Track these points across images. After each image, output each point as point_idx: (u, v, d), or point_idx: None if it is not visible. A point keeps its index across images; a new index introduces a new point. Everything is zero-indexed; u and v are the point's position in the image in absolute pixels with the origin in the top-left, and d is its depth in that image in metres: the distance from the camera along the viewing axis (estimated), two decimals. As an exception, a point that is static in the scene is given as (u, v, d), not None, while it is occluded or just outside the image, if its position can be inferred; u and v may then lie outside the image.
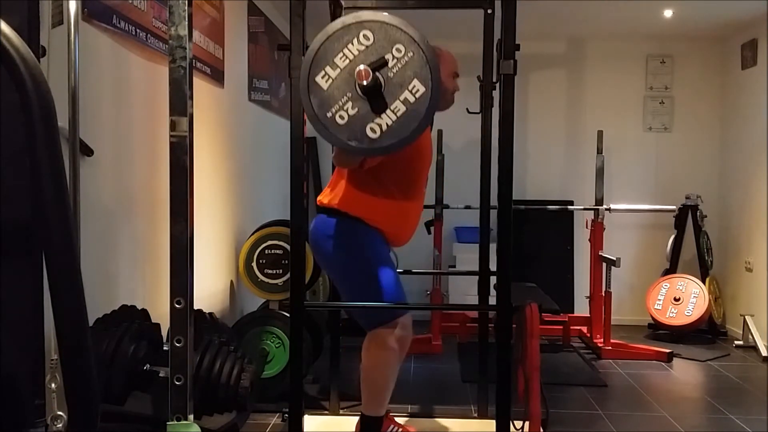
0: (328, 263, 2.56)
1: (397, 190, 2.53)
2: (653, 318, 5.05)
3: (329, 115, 2.00)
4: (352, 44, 2.01)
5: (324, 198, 2.56)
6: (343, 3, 3.01)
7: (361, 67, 1.96)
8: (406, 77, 2.00)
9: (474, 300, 3.07)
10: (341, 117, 2.00)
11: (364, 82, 1.96)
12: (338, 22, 2.04)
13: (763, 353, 4.49)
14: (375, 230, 2.51)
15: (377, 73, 1.97)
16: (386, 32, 2.02)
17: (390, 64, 2.00)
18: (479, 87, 3.00)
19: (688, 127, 5.64)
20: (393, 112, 2.00)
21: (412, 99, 2.00)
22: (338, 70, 2.00)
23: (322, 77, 2.00)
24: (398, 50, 2.01)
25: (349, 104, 2.00)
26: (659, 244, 5.48)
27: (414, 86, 2.00)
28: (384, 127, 2.00)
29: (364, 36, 2.01)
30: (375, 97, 1.99)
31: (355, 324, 2.60)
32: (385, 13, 2.07)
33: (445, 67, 2.51)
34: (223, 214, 3.76)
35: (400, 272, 2.62)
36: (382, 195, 2.51)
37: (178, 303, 1.73)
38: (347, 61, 2.00)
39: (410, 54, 2.01)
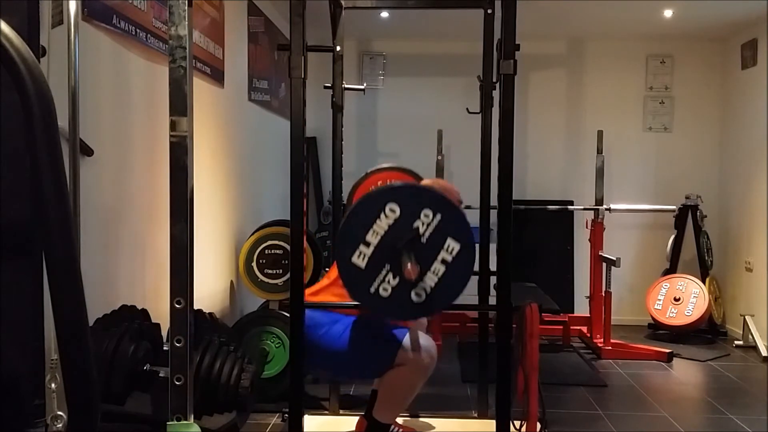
0: (326, 350, 2.49)
1: None
2: (653, 318, 5.05)
3: (372, 291, 2.06)
4: (380, 219, 2.06)
5: (328, 299, 2.54)
6: (343, 3, 3.01)
7: (409, 265, 2.01)
8: (440, 238, 2.05)
9: (474, 300, 3.07)
10: (384, 290, 2.06)
11: (413, 278, 2.01)
12: (364, 200, 2.12)
13: (763, 353, 4.49)
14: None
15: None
16: (411, 200, 2.07)
17: (421, 230, 2.05)
18: (479, 87, 3.00)
19: (688, 127, 5.64)
20: (434, 273, 2.06)
21: (449, 258, 2.05)
22: (372, 247, 2.05)
23: (358, 256, 2.06)
24: (426, 215, 2.06)
25: (390, 276, 2.06)
26: (659, 244, 5.47)
27: (449, 245, 2.06)
28: (428, 290, 2.05)
29: (390, 209, 2.06)
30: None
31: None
32: (409, 183, 2.13)
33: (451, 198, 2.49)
34: (223, 214, 3.76)
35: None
36: None
37: (178, 303, 1.73)
38: (379, 236, 2.05)
39: (438, 216, 2.05)
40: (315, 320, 2.43)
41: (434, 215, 2.05)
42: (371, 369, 2.53)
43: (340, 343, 2.43)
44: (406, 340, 2.41)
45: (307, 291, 2.47)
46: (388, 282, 2.05)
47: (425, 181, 2.74)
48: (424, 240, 2.04)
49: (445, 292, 2.07)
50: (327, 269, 3.62)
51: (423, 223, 2.05)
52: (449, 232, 2.05)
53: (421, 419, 3.04)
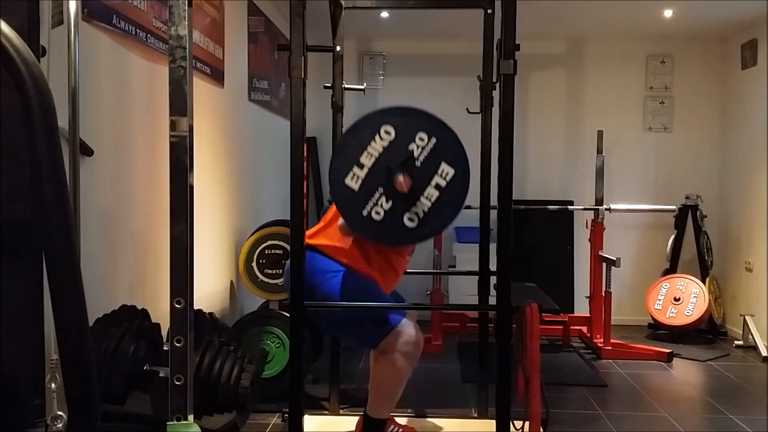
0: (323, 296, 2.45)
1: (386, 258, 2.51)
2: (653, 318, 5.05)
3: (365, 213, 2.05)
4: (375, 141, 2.04)
5: (322, 241, 2.50)
6: (343, 3, 3.01)
7: (401, 177, 1.99)
8: (434, 163, 2.04)
9: (474, 300, 3.07)
10: (377, 213, 2.05)
11: (405, 190, 2.00)
12: (359, 122, 2.09)
13: (763, 353, 4.48)
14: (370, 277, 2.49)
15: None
16: (407, 123, 2.05)
17: (416, 153, 2.04)
18: (479, 87, 3.00)
19: (688, 127, 5.65)
20: (427, 198, 2.04)
21: (443, 183, 2.04)
22: (366, 169, 2.04)
23: (352, 178, 2.05)
24: (421, 138, 2.05)
25: (383, 199, 2.04)
26: (659, 244, 5.47)
27: (443, 170, 2.04)
28: (421, 215, 2.04)
29: (386, 131, 2.05)
30: (409, 192, 2.05)
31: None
32: (405, 106, 2.11)
33: None
34: (223, 214, 3.76)
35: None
36: (377, 259, 2.48)
37: (178, 303, 1.73)
38: (373, 159, 2.04)
39: (434, 140, 2.04)
40: (315, 265, 2.39)
41: (429, 139, 2.04)
42: (362, 336, 2.51)
43: (337, 295, 2.39)
44: (400, 326, 2.39)
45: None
46: (381, 205, 2.04)
47: None
48: (418, 164, 2.03)
49: (438, 217, 2.05)
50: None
51: (418, 146, 2.04)
52: (444, 156, 2.04)
53: (422, 419, 3.04)
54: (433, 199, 2.04)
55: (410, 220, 2.04)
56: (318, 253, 2.47)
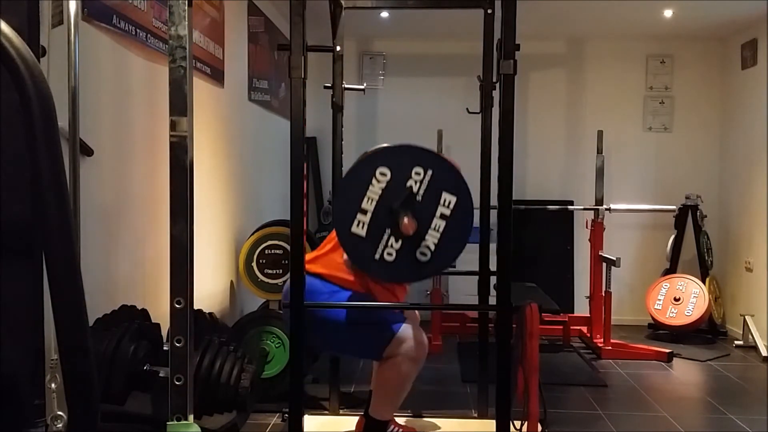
0: (324, 316, 2.45)
1: (385, 286, 2.48)
2: (653, 318, 5.05)
3: (377, 257, 2.06)
4: (373, 185, 2.06)
5: (321, 269, 2.49)
6: (343, 3, 3.01)
7: (405, 220, 2.01)
8: (434, 194, 2.05)
9: (474, 300, 3.07)
10: (389, 254, 2.06)
11: (411, 233, 2.01)
12: (354, 168, 2.12)
13: (763, 353, 4.49)
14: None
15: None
16: (400, 160, 2.07)
17: (415, 189, 2.05)
18: (479, 87, 3.00)
19: (688, 127, 5.64)
20: (435, 230, 2.05)
21: (447, 212, 2.05)
22: (369, 213, 2.05)
23: (357, 225, 2.06)
24: (417, 173, 2.06)
25: (392, 240, 2.06)
26: (659, 244, 5.47)
27: (445, 199, 2.06)
28: (432, 248, 2.06)
29: (381, 173, 2.06)
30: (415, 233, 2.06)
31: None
32: (395, 144, 2.14)
33: None
34: (223, 214, 3.76)
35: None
36: (377, 288, 2.46)
37: (178, 303, 1.73)
38: (374, 202, 2.05)
39: (430, 171, 2.06)
40: (314, 288, 2.39)
41: (425, 172, 2.05)
42: (363, 350, 2.52)
43: (336, 315, 2.40)
44: (401, 331, 2.40)
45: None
46: (392, 246, 2.05)
47: None
48: (419, 198, 2.04)
49: (449, 246, 2.06)
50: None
51: (416, 182, 2.05)
52: (443, 186, 2.05)
53: (421, 419, 3.03)
54: (441, 230, 2.05)
55: (422, 254, 2.05)
56: (317, 277, 2.46)
